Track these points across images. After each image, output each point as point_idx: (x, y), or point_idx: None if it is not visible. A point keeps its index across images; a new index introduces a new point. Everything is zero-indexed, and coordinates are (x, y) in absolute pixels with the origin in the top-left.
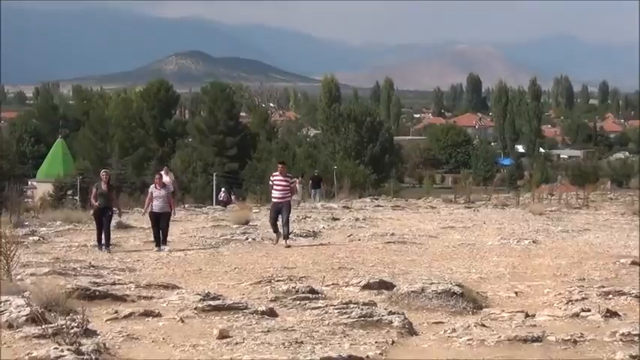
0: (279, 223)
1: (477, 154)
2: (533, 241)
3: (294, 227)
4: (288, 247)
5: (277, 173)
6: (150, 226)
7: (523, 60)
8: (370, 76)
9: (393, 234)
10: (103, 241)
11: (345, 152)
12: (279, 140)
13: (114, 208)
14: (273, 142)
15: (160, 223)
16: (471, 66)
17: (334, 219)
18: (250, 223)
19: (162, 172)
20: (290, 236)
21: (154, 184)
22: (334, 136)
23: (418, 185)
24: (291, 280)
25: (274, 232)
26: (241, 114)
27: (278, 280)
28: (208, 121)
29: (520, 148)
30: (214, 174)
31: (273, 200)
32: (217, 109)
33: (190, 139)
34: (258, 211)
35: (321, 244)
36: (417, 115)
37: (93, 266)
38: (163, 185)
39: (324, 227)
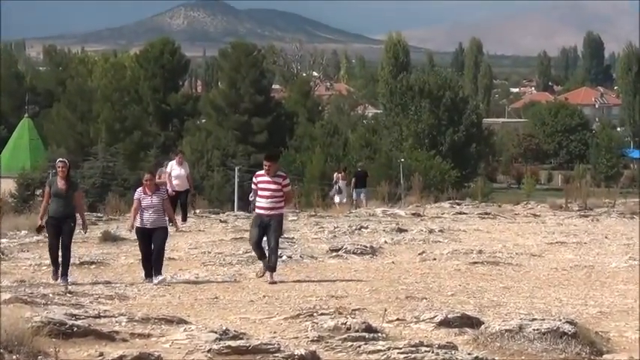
0: (267, 245)
1: (598, 144)
2: None
3: (345, 241)
4: (274, 283)
5: (262, 172)
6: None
7: None
8: (451, 36)
9: (480, 252)
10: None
11: (416, 139)
12: (326, 122)
13: (77, 216)
14: (317, 124)
15: (153, 244)
16: (589, 22)
17: (400, 230)
18: (285, 235)
19: (171, 165)
20: (334, 254)
21: (141, 188)
22: (401, 117)
23: (516, 186)
24: (340, 313)
25: (259, 257)
26: (274, 86)
27: (322, 314)
28: (229, 96)
29: None
30: (236, 168)
31: (257, 212)
32: (241, 80)
33: (204, 120)
34: (296, 218)
35: (382, 265)
36: (515, 90)
37: (70, 292)
38: (156, 189)
39: (386, 241)
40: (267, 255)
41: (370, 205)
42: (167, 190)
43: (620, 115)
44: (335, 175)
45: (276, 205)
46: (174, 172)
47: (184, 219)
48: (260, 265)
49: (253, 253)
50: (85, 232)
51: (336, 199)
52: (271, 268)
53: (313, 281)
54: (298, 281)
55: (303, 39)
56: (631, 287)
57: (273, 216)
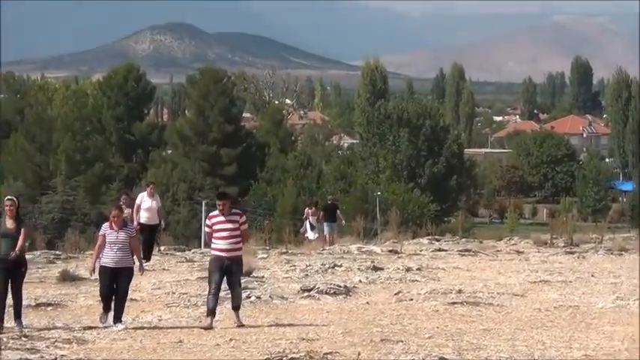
0: (229, 288)
1: (585, 175)
2: None
3: (317, 280)
4: (241, 325)
5: (216, 213)
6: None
7: None
8: (431, 61)
9: (460, 291)
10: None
11: (394, 171)
12: (299, 153)
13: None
14: (290, 155)
15: (116, 285)
16: (578, 46)
17: (376, 269)
18: (254, 274)
19: (142, 197)
20: (306, 294)
21: (107, 223)
22: (378, 147)
23: (499, 220)
24: (311, 357)
25: (211, 310)
26: (244, 115)
27: (293, 358)
28: (196, 125)
29: None
30: (204, 202)
31: (216, 254)
32: (210, 108)
33: (170, 151)
34: (266, 256)
35: (357, 306)
36: (499, 118)
37: (26, 336)
38: (123, 224)
39: (360, 281)
40: (215, 310)
41: (344, 241)
42: (135, 228)
43: (609, 144)
44: (306, 211)
45: (235, 246)
46: (145, 205)
47: (148, 258)
48: (208, 319)
49: (222, 293)
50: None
51: (310, 235)
52: (237, 307)
53: (283, 323)
54: (268, 323)
55: (276, 65)
56: (618, 329)
57: (233, 258)
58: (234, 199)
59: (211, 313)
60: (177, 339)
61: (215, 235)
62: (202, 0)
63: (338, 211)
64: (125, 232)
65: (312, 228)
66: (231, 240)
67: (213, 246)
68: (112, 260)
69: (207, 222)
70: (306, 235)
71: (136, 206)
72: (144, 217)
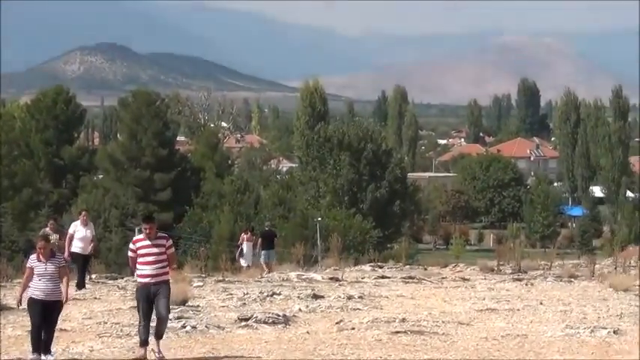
0: (156, 314)
1: (533, 200)
2: (615, 332)
3: (255, 309)
4: (162, 358)
5: (141, 237)
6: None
7: (601, 59)
8: (373, 83)
9: (403, 320)
10: None
11: (335, 196)
12: (236, 178)
13: None
14: (227, 180)
15: (46, 317)
16: (524, 67)
17: (316, 297)
18: (189, 303)
19: (75, 225)
20: (243, 323)
21: (35, 255)
22: (318, 171)
23: (444, 246)
24: None
25: (142, 338)
26: (178, 138)
27: None
28: (128, 149)
29: (597, 191)
30: (137, 229)
31: (141, 281)
32: (142, 132)
33: (101, 176)
34: (202, 284)
35: (296, 336)
36: (443, 141)
37: None
38: (51, 254)
39: (300, 309)
40: (148, 340)
41: (283, 268)
42: (64, 257)
43: (558, 168)
44: (241, 236)
45: (162, 271)
46: (79, 234)
47: (82, 286)
48: (142, 350)
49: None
50: None
51: (242, 262)
52: (160, 335)
53: (220, 354)
54: (204, 353)
55: (212, 86)
56: (568, 358)
57: (160, 283)
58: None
59: (144, 343)
60: None
61: (140, 260)
62: (136, 16)
63: (275, 238)
64: (53, 262)
65: (242, 255)
66: (157, 265)
67: (138, 272)
68: (42, 292)
69: (132, 246)
70: (239, 263)
71: (68, 236)
72: (77, 246)
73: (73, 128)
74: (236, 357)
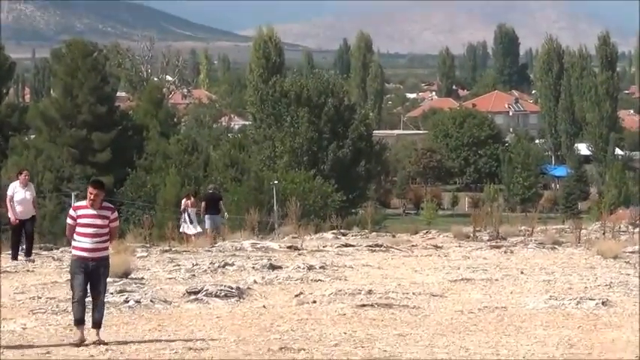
0: (92, 295)
1: (512, 159)
2: (604, 303)
3: (205, 281)
4: (103, 343)
5: (84, 204)
6: None
7: (587, 5)
8: (334, 31)
9: (370, 292)
10: None
11: (293, 157)
12: (183, 137)
13: None
14: (172, 139)
15: None
16: (502, 14)
17: (273, 267)
18: (132, 276)
19: (14, 187)
20: (192, 297)
21: None
22: (274, 129)
23: (414, 211)
24: None
25: (78, 320)
26: (119, 94)
27: None
28: (63, 107)
29: (583, 149)
30: (73, 194)
31: (78, 254)
32: (78, 87)
33: (33, 136)
34: (146, 254)
35: (251, 310)
36: (412, 95)
37: None
38: None
39: (255, 281)
40: (84, 319)
41: (236, 236)
42: (10, 221)
43: (539, 124)
44: (183, 202)
45: (102, 246)
46: (18, 196)
47: (29, 253)
48: (78, 332)
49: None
50: None
51: (187, 230)
52: (98, 324)
53: (167, 331)
54: (149, 330)
55: (155, 36)
56: (552, 332)
57: (99, 259)
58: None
59: (80, 322)
60: (44, 350)
61: (79, 230)
62: None
63: (221, 202)
64: None
65: (191, 222)
66: (97, 239)
67: (74, 244)
68: None
69: (72, 213)
70: (183, 231)
71: (8, 198)
72: (18, 210)
73: (0, 83)
74: (185, 334)
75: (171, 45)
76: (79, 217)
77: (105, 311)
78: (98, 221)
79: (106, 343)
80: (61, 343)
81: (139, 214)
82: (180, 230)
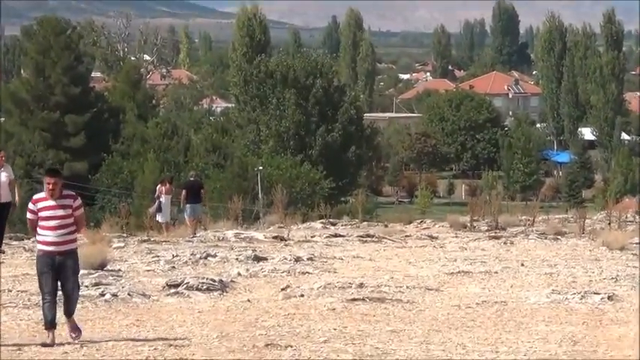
0: (63, 290)
1: (512, 144)
2: (609, 297)
3: (186, 273)
4: (77, 332)
5: (43, 196)
6: None
7: None
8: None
9: (361, 285)
10: None
11: (279, 141)
12: (162, 120)
13: None
14: (151, 123)
15: None
16: None
17: (258, 259)
18: (109, 267)
19: None
20: (172, 290)
21: None
22: (258, 112)
23: (407, 200)
24: None
25: (49, 323)
26: (94, 74)
27: None
28: (35, 88)
29: (587, 134)
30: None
31: (43, 249)
32: (51, 66)
33: (3, 119)
34: (123, 244)
35: (235, 304)
36: (406, 76)
37: None
38: None
39: (239, 274)
40: (55, 321)
41: (219, 226)
42: None
43: (541, 107)
44: (157, 188)
45: (68, 238)
46: None
47: None
48: (50, 334)
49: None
50: None
51: (158, 218)
52: (69, 312)
53: (146, 326)
54: (127, 326)
55: (132, 12)
56: (554, 328)
57: (67, 253)
58: (72, 175)
59: (51, 325)
60: (15, 347)
61: (42, 223)
62: None
63: (202, 190)
64: None
65: (159, 210)
66: (62, 230)
67: (39, 238)
68: None
69: (31, 206)
70: (155, 218)
71: None
72: None
73: None
74: (165, 330)
75: (149, 22)
76: (40, 210)
77: (79, 306)
78: (60, 212)
79: (80, 331)
80: (33, 339)
81: (115, 202)
82: (157, 219)
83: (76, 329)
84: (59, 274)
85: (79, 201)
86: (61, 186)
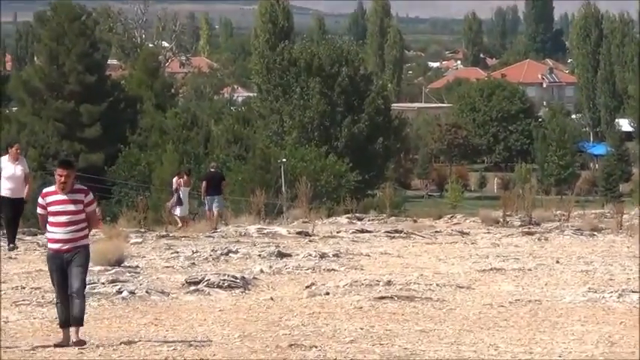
0: (69, 288)
1: (546, 136)
2: None
3: (207, 270)
4: (81, 343)
5: (53, 189)
6: None
7: None
8: None
9: (389, 283)
10: None
11: (303, 132)
12: (181, 110)
13: None
14: (169, 113)
15: None
16: None
17: (282, 255)
18: (126, 264)
19: (3, 162)
20: (192, 288)
21: None
22: (282, 102)
23: (437, 193)
24: None
25: (63, 322)
26: (110, 62)
27: None
28: (49, 76)
29: (625, 125)
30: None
31: (52, 247)
32: (65, 54)
33: (15, 109)
34: (141, 240)
35: (258, 303)
36: (435, 64)
37: None
38: None
39: (262, 270)
40: (73, 307)
41: (241, 221)
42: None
43: (576, 97)
44: (174, 181)
45: (78, 235)
46: (7, 172)
47: (12, 240)
48: (63, 332)
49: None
50: None
51: (177, 211)
52: (77, 319)
53: (164, 325)
54: (145, 325)
55: None
56: (591, 328)
57: (76, 249)
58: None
59: (65, 324)
60: (28, 346)
61: (51, 219)
62: None
63: (223, 182)
64: None
65: (180, 203)
66: (72, 227)
67: (48, 235)
68: None
69: (41, 201)
70: (173, 212)
71: None
72: (5, 188)
73: None
74: (184, 329)
75: (168, 8)
76: (49, 204)
77: (95, 303)
78: (71, 207)
79: (84, 343)
80: (47, 339)
81: (132, 196)
82: (173, 213)
83: (78, 340)
84: (67, 272)
85: (91, 196)
86: (73, 179)
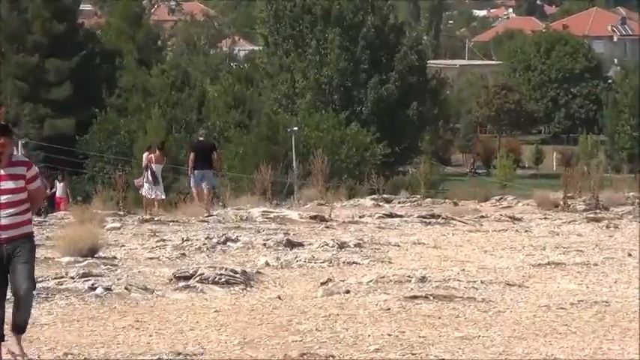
0: (13, 288)
1: (618, 101)
2: None
3: (200, 262)
4: (22, 356)
5: None
6: None
7: None
8: None
9: (423, 279)
10: None
11: (319, 94)
12: (169, 67)
13: None
14: (155, 70)
15: None
16: None
17: (292, 244)
18: (101, 254)
19: None
20: (182, 283)
21: None
22: (293, 58)
23: (483, 171)
24: None
25: None
26: (83, 7)
27: None
28: (8, 24)
29: None
30: (21, 142)
31: None
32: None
33: None
34: (119, 225)
35: (262, 302)
36: (482, 13)
37: None
38: None
39: (268, 263)
40: (2, 332)
41: (242, 202)
42: None
43: None
44: (145, 157)
45: (19, 220)
46: None
47: None
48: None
49: (51, 283)
50: None
51: (147, 192)
52: (22, 328)
53: (148, 328)
54: (124, 328)
55: None
56: None
57: (16, 238)
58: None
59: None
60: None
61: None
62: None
63: (215, 153)
64: None
65: (155, 182)
66: (11, 210)
67: None
68: None
69: None
70: (141, 192)
71: None
72: None
73: None
74: (172, 333)
75: None
76: None
77: (62, 302)
78: (10, 184)
79: (26, 355)
80: (7, 342)
81: (109, 171)
82: (142, 193)
83: (21, 353)
84: (8, 267)
85: (35, 170)
86: (10, 149)
